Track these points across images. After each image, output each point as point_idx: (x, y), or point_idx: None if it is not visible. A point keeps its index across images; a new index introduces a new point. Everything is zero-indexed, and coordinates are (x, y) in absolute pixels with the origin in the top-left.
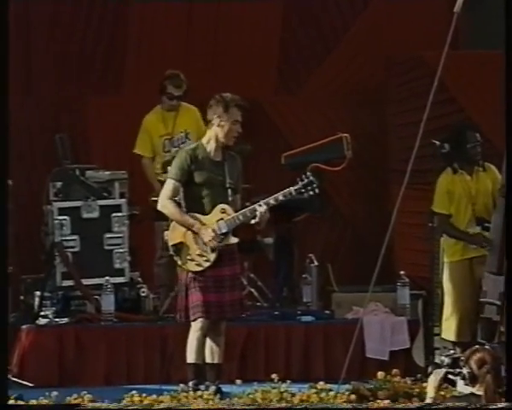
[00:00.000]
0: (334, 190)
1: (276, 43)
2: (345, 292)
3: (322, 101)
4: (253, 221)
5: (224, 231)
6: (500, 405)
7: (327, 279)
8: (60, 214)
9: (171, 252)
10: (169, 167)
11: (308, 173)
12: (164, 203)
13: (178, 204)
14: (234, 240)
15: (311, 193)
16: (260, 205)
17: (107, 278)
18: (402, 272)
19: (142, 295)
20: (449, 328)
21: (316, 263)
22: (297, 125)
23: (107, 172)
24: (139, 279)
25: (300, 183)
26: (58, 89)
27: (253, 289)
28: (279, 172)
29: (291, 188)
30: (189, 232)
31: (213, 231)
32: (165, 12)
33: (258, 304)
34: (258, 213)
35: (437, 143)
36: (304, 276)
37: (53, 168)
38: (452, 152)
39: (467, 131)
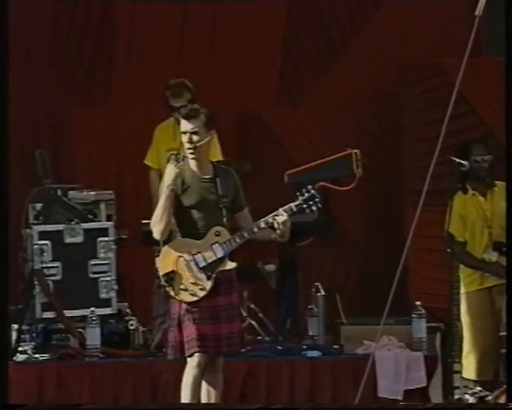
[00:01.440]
0: (343, 212)
1: (278, 47)
2: (355, 325)
3: (330, 112)
4: (276, 236)
5: (219, 255)
6: (500, 405)
7: (335, 310)
8: (40, 239)
9: (163, 282)
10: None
11: (309, 187)
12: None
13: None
14: (231, 265)
15: (314, 208)
16: (277, 214)
17: (92, 309)
18: (418, 303)
19: (131, 328)
20: (469, 365)
21: (322, 292)
22: (301, 140)
23: (93, 193)
24: (128, 311)
25: (301, 198)
26: (37, 98)
27: (253, 322)
28: (282, 192)
29: (291, 204)
30: (181, 259)
31: (198, 247)
32: (156, 13)
33: (259, 338)
34: (276, 222)
35: (456, 160)
36: (309, 307)
37: (32, 188)
38: (464, 170)
39: (473, 144)
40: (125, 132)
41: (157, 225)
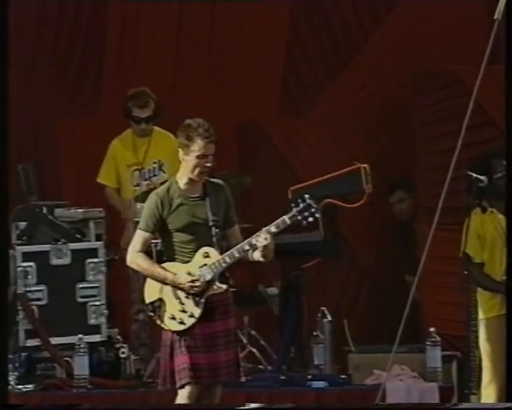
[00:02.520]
0: (351, 231)
1: (280, 52)
2: (364, 353)
3: (336, 123)
4: (255, 256)
5: (208, 278)
6: (500, 405)
7: (342, 337)
8: (24, 260)
9: (149, 312)
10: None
11: (305, 196)
12: (132, 258)
13: (160, 252)
14: (221, 288)
15: (311, 219)
16: (258, 235)
17: (80, 336)
18: (432, 330)
19: (122, 356)
20: (490, 397)
21: (329, 318)
22: (305, 153)
23: (81, 210)
24: (118, 338)
25: (295, 209)
26: (21, 109)
27: (254, 349)
28: (285, 209)
29: (284, 216)
30: (167, 286)
31: (189, 273)
32: (149, 18)
33: (261, 367)
34: (258, 244)
35: (473, 175)
36: (315, 333)
37: (15, 205)
38: (482, 186)
39: (492, 158)
40: None
41: (133, 264)
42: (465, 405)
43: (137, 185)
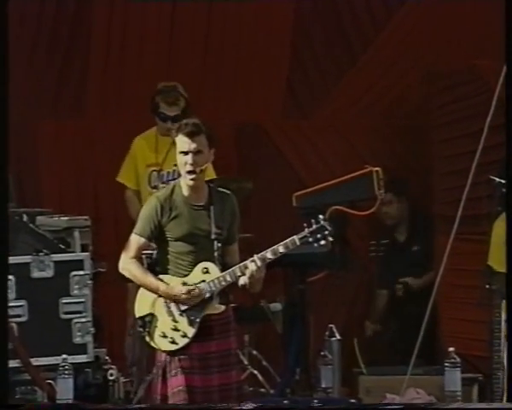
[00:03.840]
0: (361, 242)
1: (285, 50)
2: (376, 375)
3: (345, 125)
4: (241, 282)
5: (206, 295)
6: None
7: (352, 358)
8: None
9: (138, 327)
10: None
11: (320, 217)
12: (124, 264)
13: (154, 262)
14: (219, 308)
15: (323, 243)
16: (254, 260)
17: (64, 356)
18: (451, 349)
19: (111, 378)
20: None
21: (338, 337)
22: (311, 156)
23: (65, 218)
24: (106, 358)
25: (307, 229)
26: None
27: (255, 371)
28: (289, 217)
29: (294, 237)
30: (161, 300)
31: (184, 284)
32: (141, 12)
33: (263, 390)
34: (248, 270)
35: (496, 179)
36: (322, 353)
37: None
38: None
39: None
40: (101, 149)
41: (125, 271)
42: (465, 405)
43: (155, 187)
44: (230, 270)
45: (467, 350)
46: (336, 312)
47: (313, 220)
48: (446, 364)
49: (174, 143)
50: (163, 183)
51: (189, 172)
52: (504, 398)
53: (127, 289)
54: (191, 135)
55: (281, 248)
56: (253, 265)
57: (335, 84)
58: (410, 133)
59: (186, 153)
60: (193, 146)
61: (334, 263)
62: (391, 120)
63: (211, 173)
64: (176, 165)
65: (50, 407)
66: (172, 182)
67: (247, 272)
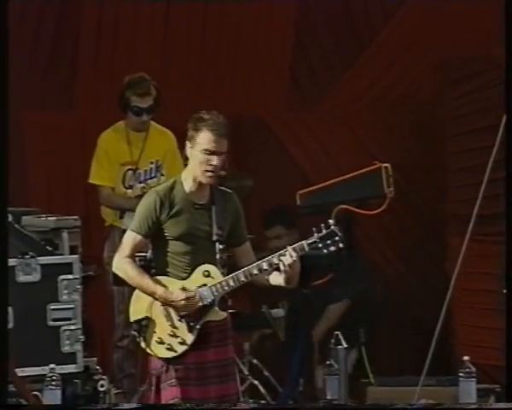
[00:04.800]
0: (370, 243)
1: (288, 38)
2: (385, 386)
3: (352, 118)
4: (280, 281)
5: (207, 301)
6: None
7: (360, 367)
8: None
9: (133, 331)
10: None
11: (330, 222)
12: (118, 263)
13: (148, 264)
14: (221, 315)
15: (333, 249)
16: (283, 255)
17: (51, 366)
18: (466, 358)
19: (101, 389)
20: None
21: (344, 344)
22: (317, 152)
23: (53, 218)
24: (97, 368)
25: (316, 235)
26: None
27: (256, 381)
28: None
29: (303, 242)
30: (158, 303)
31: (182, 289)
32: (134, 2)
33: (264, 402)
34: (281, 264)
35: None
36: (328, 362)
37: None
38: None
39: None
40: (91, 143)
41: (120, 270)
42: (465, 405)
43: (130, 187)
44: (234, 274)
45: (483, 359)
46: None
47: (323, 225)
48: (461, 374)
49: (148, 138)
50: (140, 182)
51: (210, 174)
52: None
53: (112, 294)
54: (222, 136)
55: (290, 251)
56: (288, 258)
57: (342, 75)
58: (420, 127)
59: (214, 153)
60: (221, 148)
61: (341, 266)
62: (401, 113)
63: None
64: (152, 162)
65: (51, 407)
66: (155, 179)
67: (285, 266)
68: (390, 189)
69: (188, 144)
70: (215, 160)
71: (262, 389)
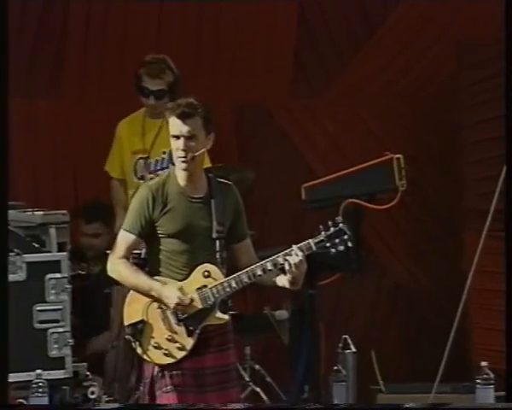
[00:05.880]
0: (380, 240)
1: (292, 19)
2: (397, 393)
3: (360, 105)
4: (285, 282)
5: (208, 303)
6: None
7: (370, 373)
8: None
9: (128, 336)
10: None
11: (338, 219)
12: (112, 265)
13: (143, 262)
14: (222, 318)
15: (341, 248)
16: (289, 255)
17: (38, 371)
18: (483, 364)
19: (92, 397)
20: None
21: (353, 349)
22: (323, 142)
23: (40, 213)
24: (87, 374)
25: (324, 233)
26: None
27: (258, 388)
28: (298, 211)
29: (310, 240)
30: (154, 305)
31: (180, 289)
32: None
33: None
34: (287, 264)
35: None
36: (335, 368)
37: None
38: None
39: None
40: (81, 133)
41: (114, 272)
42: (465, 405)
43: (141, 178)
44: (236, 275)
45: (501, 365)
46: (351, 321)
47: (330, 223)
48: (478, 380)
49: (163, 126)
50: (150, 172)
51: (180, 158)
52: None
53: (112, 298)
54: (184, 117)
55: (296, 250)
56: (294, 258)
57: (350, 59)
58: (435, 115)
59: (178, 137)
60: (185, 129)
61: (349, 264)
62: (413, 101)
63: (204, 161)
64: (165, 152)
65: (51, 407)
66: (166, 170)
67: (291, 266)
68: (402, 182)
69: None
70: (181, 144)
71: (264, 397)
